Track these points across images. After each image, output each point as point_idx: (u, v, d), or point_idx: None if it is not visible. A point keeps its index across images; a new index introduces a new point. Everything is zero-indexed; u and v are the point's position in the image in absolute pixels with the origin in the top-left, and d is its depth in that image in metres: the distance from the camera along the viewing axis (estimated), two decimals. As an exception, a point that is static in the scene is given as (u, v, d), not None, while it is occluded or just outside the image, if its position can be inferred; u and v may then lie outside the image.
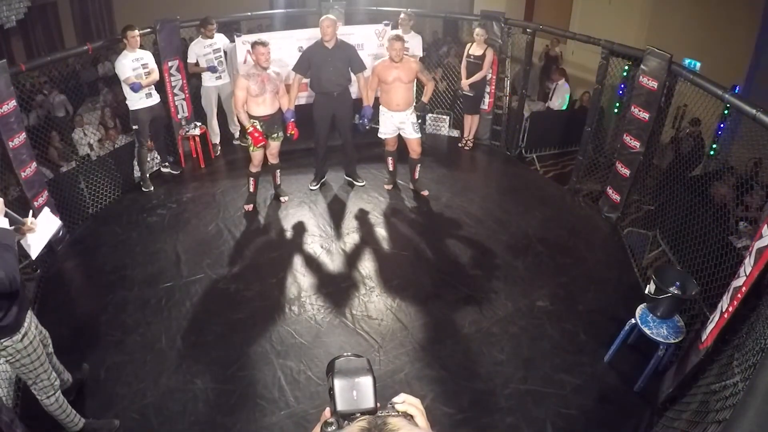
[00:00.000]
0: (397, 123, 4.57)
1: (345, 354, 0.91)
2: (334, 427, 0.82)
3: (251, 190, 4.65)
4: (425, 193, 4.93)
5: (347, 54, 4.54)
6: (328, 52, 4.43)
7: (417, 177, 4.93)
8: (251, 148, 4.34)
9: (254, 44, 4.10)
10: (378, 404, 0.84)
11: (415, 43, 5.68)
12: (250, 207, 4.66)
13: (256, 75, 4.10)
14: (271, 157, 4.58)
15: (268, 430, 2.73)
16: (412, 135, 4.60)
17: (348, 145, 4.92)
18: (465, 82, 5.60)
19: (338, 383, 0.81)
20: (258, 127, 4.21)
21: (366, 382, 0.81)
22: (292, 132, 4.40)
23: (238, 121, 4.48)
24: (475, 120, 5.93)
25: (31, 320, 2.35)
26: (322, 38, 4.43)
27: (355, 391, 0.81)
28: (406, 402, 0.85)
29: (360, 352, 3.14)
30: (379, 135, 4.72)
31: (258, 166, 4.48)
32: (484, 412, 2.83)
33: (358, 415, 0.79)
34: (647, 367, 2.89)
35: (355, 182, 5.10)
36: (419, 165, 4.85)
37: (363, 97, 4.58)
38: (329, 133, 4.83)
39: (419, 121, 4.70)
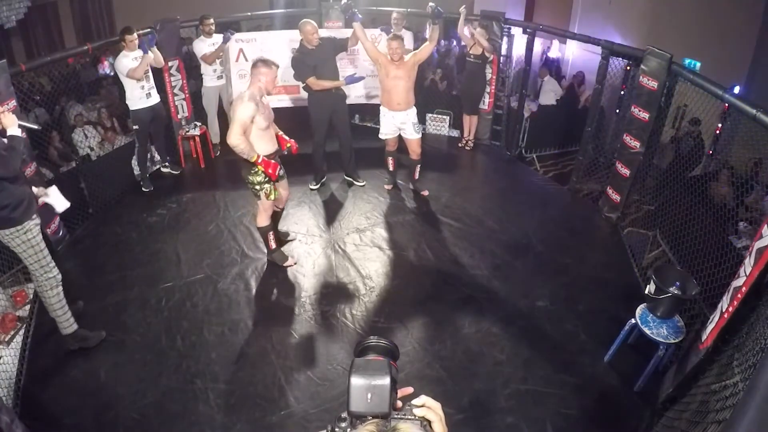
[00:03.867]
0: (397, 123, 4.57)
1: (372, 337, 0.88)
2: (345, 424, 0.80)
3: (273, 246, 3.87)
4: (425, 193, 4.93)
5: (331, 46, 4.54)
6: (316, 51, 4.42)
7: (417, 177, 4.93)
8: (271, 195, 3.53)
9: (263, 62, 3.33)
10: (399, 404, 0.81)
11: (405, 39, 5.69)
12: (292, 262, 3.97)
13: (262, 104, 3.34)
14: (279, 203, 3.90)
15: (268, 430, 2.73)
16: (412, 135, 4.59)
17: (346, 143, 4.91)
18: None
19: (354, 382, 0.78)
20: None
21: (383, 385, 0.77)
22: (289, 145, 3.69)
23: (241, 154, 3.32)
24: (474, 120, 5.95)
25: (35, 225, 2.87)
26: (305, 42, 4.40)
27: (370, 393, 0.77)
28: (425, 406, 0.82)
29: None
30: (380, 136, 4.72)
31: (270, 215, 3.75)
32: (484, 412, 2.83)
33: (370, 417, 0.77)
34: (647, 367, 2.89)
35: (355, 182, 5.10)
36: (419, 165, 4.85)
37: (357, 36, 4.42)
38: (327, 133, 4.83)
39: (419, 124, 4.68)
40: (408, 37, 5.77)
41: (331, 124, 4.77)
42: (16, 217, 2.75)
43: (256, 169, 3.43)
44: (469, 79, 5.78)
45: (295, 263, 3.99)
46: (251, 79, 3.37)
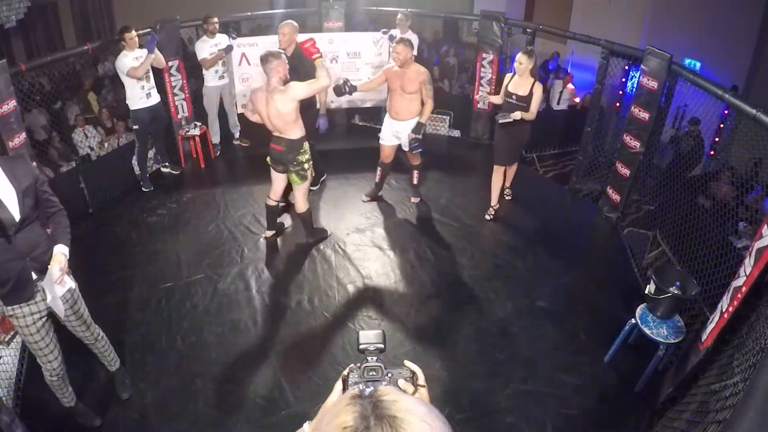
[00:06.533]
0: (394, 131, 4.42)
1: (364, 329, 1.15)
2: (348, 372, 0.97)
3: (315, 225, 4.24)
4: (416, 200, 4.80)
5: (297, 64, 4.11)
6: (289, 59, 4.01)
7: (415, 182, 4.76)
8: (311, 170, 3.89)
9: (273, 56, 3.48)
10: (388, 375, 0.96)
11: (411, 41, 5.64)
12: (330, 231, 4.35)
13: None
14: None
15: (268, 430, 2.74)
16: (406, 147, 4.39)
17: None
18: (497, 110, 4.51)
19: (362, 333, 1.04)
20: None
21: (379, 333, 1.04)
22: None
23: (325, 79, 3.50)
24: (513, 169, 4.81)
25: (29, 314, 2.33)
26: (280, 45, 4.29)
27: (373, 336, 1.03)
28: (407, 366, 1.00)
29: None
30: (380, 140, 4.62)
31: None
32: (484, 412, 2.83)
33: (372, 348, 0.99)
34: (647, 367, 2.89)
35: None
36: (417, 171, 4.68)
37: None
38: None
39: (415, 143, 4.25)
40: (413, 40, 5.66)
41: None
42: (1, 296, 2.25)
43: (304, 149, 3.66)
44: (510, 124, 4.13)
45: (330, 233, 4.32)
46: (270, 74, 3.47)
